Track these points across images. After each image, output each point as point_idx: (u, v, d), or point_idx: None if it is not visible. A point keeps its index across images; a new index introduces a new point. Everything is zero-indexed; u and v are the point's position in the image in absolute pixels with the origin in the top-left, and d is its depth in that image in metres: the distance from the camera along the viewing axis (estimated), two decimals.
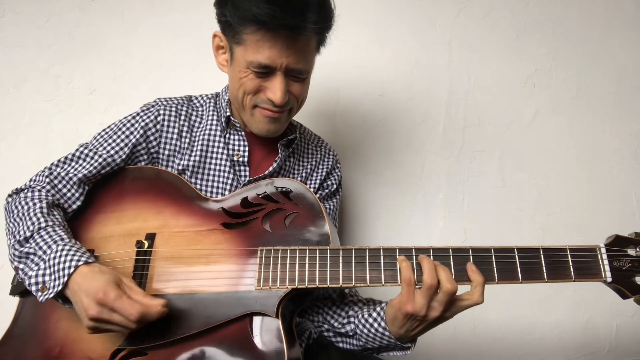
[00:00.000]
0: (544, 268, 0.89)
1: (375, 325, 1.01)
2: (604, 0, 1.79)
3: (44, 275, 0.91)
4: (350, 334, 1.07)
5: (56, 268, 0.89)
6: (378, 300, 1.12)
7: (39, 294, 0.90)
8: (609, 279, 0.88)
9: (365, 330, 1.03)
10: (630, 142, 1.72)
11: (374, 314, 1.02)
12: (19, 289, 1.02)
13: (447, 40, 1.75)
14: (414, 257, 0.92)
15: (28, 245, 0.95)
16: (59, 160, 1.10)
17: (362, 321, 1.03)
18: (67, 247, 0.92)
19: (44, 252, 0.92)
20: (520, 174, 1.69)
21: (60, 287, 0.88)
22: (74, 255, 0.91)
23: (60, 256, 0.90)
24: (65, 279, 0.88)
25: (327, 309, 1.13)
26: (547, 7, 1.78)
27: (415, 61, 1.74)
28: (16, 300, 1.04)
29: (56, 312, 1.00)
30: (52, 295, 0.89)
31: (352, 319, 1.07)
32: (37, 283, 0.91)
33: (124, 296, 0.86)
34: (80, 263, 0.89)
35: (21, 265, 0.95)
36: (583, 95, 1.74)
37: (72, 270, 0.88)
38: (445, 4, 1.76)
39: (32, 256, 0.94)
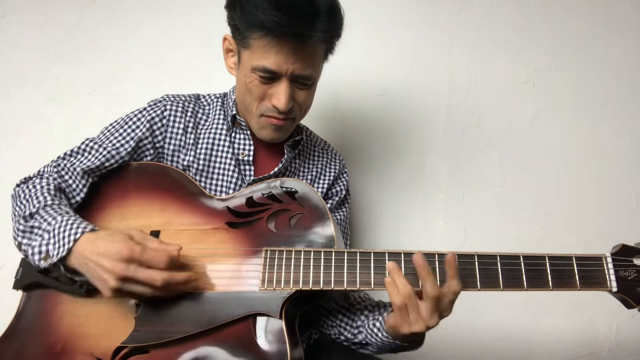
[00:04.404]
0: (549, 276, 0.88)
1: (380, 335, 1.00)
2: (604, 1, 1.79)
3: (47, 244, 0.90)
4: (363, 343, 1.06)
5: (60, 237, 0.89)
6: (383, 303, 1.10)
7: (42, 262, 0.90)
8: (615, 289, 0.87)
9: (374, 340, 1.02)
10: (630, 142, 1.72)
11: (377, 324, 1.01)
12: (23, 282, 1.02)
13: (447, 40, 1.75)
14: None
15: (33, 220, 0.94)
16: (65, 153, 1.10)
17: (369, 331, 1.03)
18: (72, 218, 0.91)
19: (49, 224, 0.92)
20: (520, 174, 1.69)
21: (64, 253, 0.88)
22: (80, 224, 0.90)
23: (65, 225, 0.90)
24: (70, 244, 0.87)
25: (338, 321, 1.12)
26: (547, 7, 1.78)
27: (415, 61, 1.74)
28: (17, 299, 1.03)
29: (59, 307, 0.99)
30: (54, 260, 0.88)
31: (361, 329, 1.06)
32: (40, 252, 0.90)
33: (147, 248, 0.87)
34: (87, 230, 0.89)
35: (25, 240, 0.94)
36: (583, 95, 1.74)
37: (78, 236, 0.88)
38: (445, 4, 1.76)
39: (36, 229, 0.94)
